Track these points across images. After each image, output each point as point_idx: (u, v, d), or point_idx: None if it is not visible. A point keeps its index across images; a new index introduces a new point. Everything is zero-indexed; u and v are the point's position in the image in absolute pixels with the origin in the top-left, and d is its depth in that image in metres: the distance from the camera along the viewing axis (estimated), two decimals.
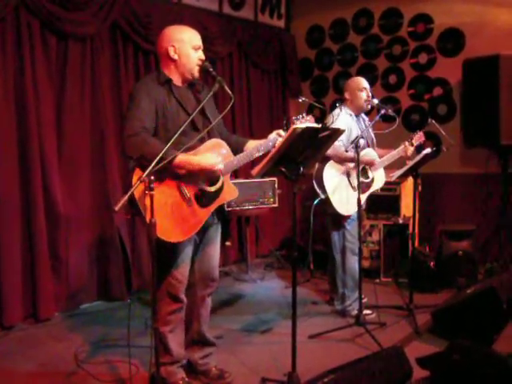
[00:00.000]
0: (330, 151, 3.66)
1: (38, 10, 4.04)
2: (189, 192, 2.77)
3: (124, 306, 4.53)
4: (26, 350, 3.63)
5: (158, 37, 2.96)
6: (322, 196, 4.02)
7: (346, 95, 4.25)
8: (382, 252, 5.21)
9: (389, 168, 4.30)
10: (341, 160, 4.03)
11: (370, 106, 4.22)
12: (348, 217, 4.10)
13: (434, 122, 4.46)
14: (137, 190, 2.45)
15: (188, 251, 2.92)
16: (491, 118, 4.89)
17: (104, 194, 4.61)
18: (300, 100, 3.88)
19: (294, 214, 2.97)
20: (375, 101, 4.15)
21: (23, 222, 4.10)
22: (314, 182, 4.07)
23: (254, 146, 3.01)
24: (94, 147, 4.58)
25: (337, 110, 4.15)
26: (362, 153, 3.91)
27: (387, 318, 4.06)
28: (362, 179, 3.90)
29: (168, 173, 2.66)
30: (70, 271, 4.38)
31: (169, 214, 2.69)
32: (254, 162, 3.04)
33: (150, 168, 2.39)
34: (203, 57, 2.90)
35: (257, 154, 2.98)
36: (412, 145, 4.25)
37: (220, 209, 2.99)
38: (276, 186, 5.19)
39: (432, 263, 4.83)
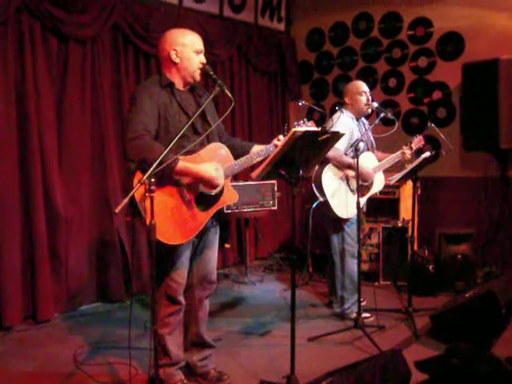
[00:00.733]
0: (329, 153, 3.68)
1: (39, 13, 4.06)
2: (189, 194, 2.78)
3: (123, 307, 4.55)
4: (26, 350, 3.64)
5: (159, 40, 2.96)
6: (321, 199, 4.03)
7: (346, 100, 4.26)
8: (381, 255, 5.21)
9: (388, 171, 4.31)
10: (339, 164, 4.04)
11: (370, 110, 4.23)
12: (347, 220, 4.11)
13: (433, 125, 4.47)
14: (137, 192, 2.46)
15: (187, 254, 2.93)
16: (490, 122, 4.91)
17: (104, 196, 4.62)
18: (300, 103, 3.90)
19: (293, 216, 2.97)
20: (375, 104, 4.16)
21: (23, 223, 4.11)
22: (312, 185, 4.08)
23: (256, 151, 3.02)
24: (95, 149, 4.59)
25: (337, 114, 4.16)
26: (362, 156, 3.92)
27: (386, 321, 4.07)
28: (361, 182, 3.92)
29: (168, 178, 2.67)
30: (69, 272, 4.39)
31: (169, 216, 2.70)
32: (254, 165, 3.04)
33: (151, 170, 2.39)
34: (205, 60, 2.91)
35: (257, 159, 2.99)
36: (411, 149, 4.26)
37: (218, 211, 3.00)
38: (275, 188, 5.20)
39: (431, 267, 4.84)
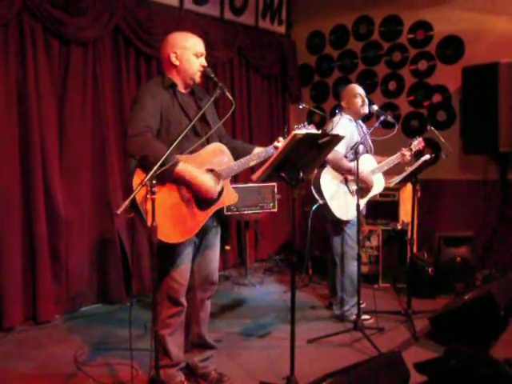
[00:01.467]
0: (329, 156, 3.70)
1: (40, 15, 4.07)
2: (188, 193, 2.80)
3: (124, 308, 4.55)
4: (26, 352, 3.65)
5: (160, 42, 3.01)
6: (321, 202, 4.05)
7: (343, 104, 4.30)
8: (380, 257, 5.22)
9: (388, 174, 4.32)
10: (338, 167, 4.05)
11: (367, 110, 4.25)
12: (348, 221, 4.12)
13: (433, 128, 4.48)
14: (138, 193, 2.47)
15: (188, 254, 2.93)
16: (490, 125, 4.93)
17: (105, 197, 4.64)
18: (300, 106, 3.92)
19: (293, 219, 2.99)
20: (375, 107, 4.17)
21: (24, 224, 4.12)
22: (312, 187, 4.10)
23: (256, 153, 3.04)
24: (96, 151, 4.61)
25: (337, 116, 4.18)
26: (361, 159, 3.93)
27: (385, 323, 4.08)
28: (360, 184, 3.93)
29: (168, 178, 2.69)
30: (70, 274, 4.40)
31: (168, 214, 2.71)
32: (254, 167, 3.06)
33: (152, 172, 2.40)
34: (205, 63, 2.94)
35: (257, 160, 3.01)
36: (411, 150, 4.28)
37: (219, 212, 3.01)
38: (275, 191, 5.21)
39: (430, 269, 4.85)
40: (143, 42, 4.83)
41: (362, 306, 4.25)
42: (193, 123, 2.75)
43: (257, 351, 3.67)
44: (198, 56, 2.91)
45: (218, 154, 2.94)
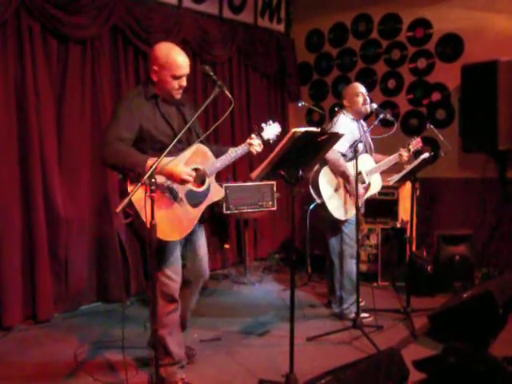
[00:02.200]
0: (328, 155, 3.70)
1: (38, 13, 4.07)
2: (180, 192, 2.88)
3: (123, 307, 4.55)
4: (26, 350, 3.65)
5: (157, 41, 3.01)
6: (318, 201, 4.05)
7: (345, 102, 4.29)
8: (379, 256, 5.22)
9: (387, 172, 4.32)
10: (335, 167, 4.05)
11: (368, 109, 4.25)
12: (345, 221, 4.12)
13: (432, 126, 4.49)
14: (134, 195, 2.50)
15: (178, 251, 3.01)
16: (489, 124, 4.93)
17: (104, 196, 4.63)
18: (299, 104, 3.92)
19: (292, 217, 3.00)
20: (374, 105, 4.18)
21: (23, 223, 4.12)
22: (310, 187, 4.10)
23: (232, 150, 3.12)
24: (94, 150, 4.59)
25: (338, 115, 4.19)
26: (359, 158, 3.92)
27: (384, 321, 4.09)
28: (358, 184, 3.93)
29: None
30: (69, 273, 4.40)
31: (164, 215, 2.78)
32: (253, 166, 3.08)
33: (150, 172, 2.44)
34: (185, 84, 2.94)
35: (235, 157, 3.09)
36: (409, 151, 4.28)
37: (212, 210, 3.07)
38: (274, 189, 5.21)
39: (429, 267, 4.86)
40: (142, 41, 4.82)
41: (361, 304, 4.26)
42: (178, 138, 2.72)
43: (256, 349, 3.68)
44: (175, 78, 2.89)
45: (200, 155, 3.00)
